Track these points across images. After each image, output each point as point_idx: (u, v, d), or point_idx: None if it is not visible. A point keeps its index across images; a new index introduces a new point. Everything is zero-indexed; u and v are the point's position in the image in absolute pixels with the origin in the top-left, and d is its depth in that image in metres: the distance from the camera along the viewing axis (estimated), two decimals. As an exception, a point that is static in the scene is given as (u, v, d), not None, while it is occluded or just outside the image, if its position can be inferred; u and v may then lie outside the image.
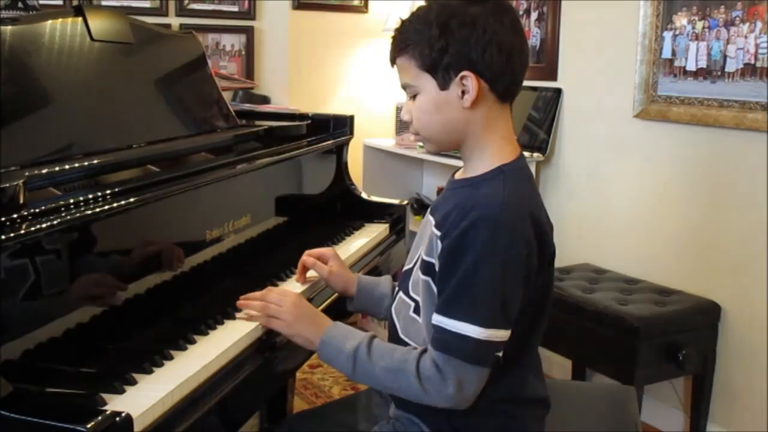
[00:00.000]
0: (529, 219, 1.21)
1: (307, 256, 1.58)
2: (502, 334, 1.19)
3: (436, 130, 1.29)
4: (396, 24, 1.29)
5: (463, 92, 1.23)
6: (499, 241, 1.17)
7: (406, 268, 1.38)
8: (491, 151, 1.27)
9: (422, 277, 1.29)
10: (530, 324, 1.28)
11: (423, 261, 1.29)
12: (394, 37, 1.29)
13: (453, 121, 1.26)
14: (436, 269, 1.24)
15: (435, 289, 1.25)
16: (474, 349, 1.17)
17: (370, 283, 1.56)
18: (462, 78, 1.22)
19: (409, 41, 1.25)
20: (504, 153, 1.27)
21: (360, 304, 1.55)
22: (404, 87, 1.30)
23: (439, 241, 1.24)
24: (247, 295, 1.42)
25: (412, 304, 1.32)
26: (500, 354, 1.20)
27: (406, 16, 1.29)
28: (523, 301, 1.22)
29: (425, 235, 1.31)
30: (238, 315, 1.40)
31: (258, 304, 1.39)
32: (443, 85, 1.24)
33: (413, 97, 1.29)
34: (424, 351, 1.23)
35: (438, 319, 1.20)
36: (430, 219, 1.30)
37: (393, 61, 1.30)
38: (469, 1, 1.23)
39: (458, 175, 1.34)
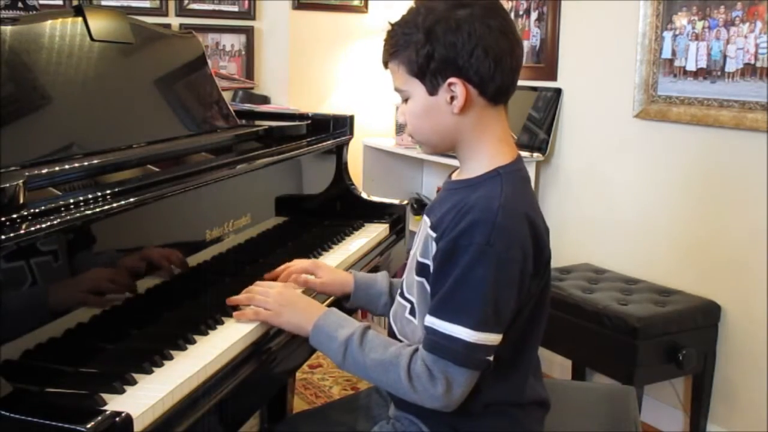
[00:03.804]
0: (526, 222, 1.20)
1: (296, 275, 1.54)
2: (493, 338, 1.18)
3: (428, 134, 1.29)
4: (387, 28, 1.28)
5: (452, 98, 1.22)
6: (495, 245, 1.16)
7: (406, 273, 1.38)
8: (487, 153, 1.26)
9: (416, 278, 1.29)
10: (528, 327, 1.27)
11: (417, 262, 1.28)
12: (384, 41, 1.28)
13: (444, 126, 1.25)
14: (431, 270, 1.24)
15: (429, 289, 1.25)
16: (463, 352, 1.17)
17: (367, 280, 1.56)
18: (450, 84, 1.21)
19: (397, 46, 1.25)
20: (500, 155, 1.26)
21: (357, 302, 1.55)
22: (396, 91, 1.30)
23: (434, 243, 1.23)
24: (233, 297, 1.42)
25: (408, 305, 1.33)
26: (491, 358, 1.19)
27: (395, 19, 1.28)
28: (518, 305, 1.22)
29: (420, 237, 1.31)
30: (234, 314, 1.40)
31: (244, 296, 1.40)
32: (432, 91, 1.23)
33: (405, 100, 1.29)
34: (417, 349, 1.23)
35: (430, 321, 1.20)
36: (425, 220, 1.30)
37: (385, 65, 1.30)
38: (457, 5, 1.21)
39: (455, 176, 1.33)
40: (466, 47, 1.19)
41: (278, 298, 1.38)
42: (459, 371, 1.18)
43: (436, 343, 1.19)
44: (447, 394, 1.19)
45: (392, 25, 1.27)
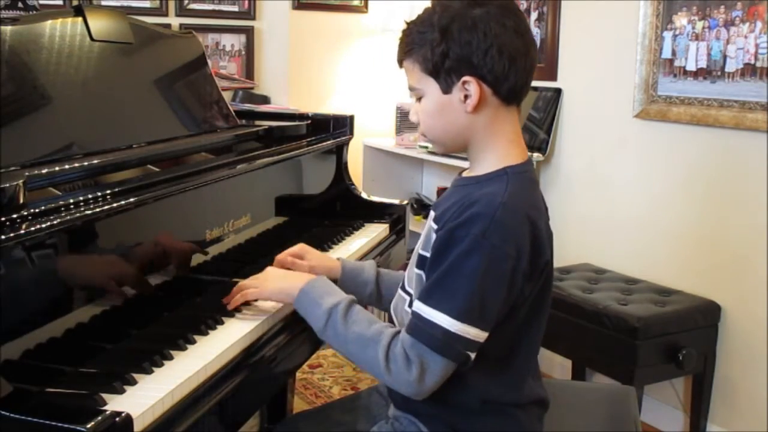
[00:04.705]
0: (527, 222, 1.21)
1: (282, 258, 1.55)
2: (474, 333, 1.18)
3: (440, 133, 1.29)
4: (402, 26, 1.29)
5: (466, 96, 1.23)
6: (490, 239, 1.17)
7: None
8: (497, 154, 1.27)
9: (416, 271, 1.29)
10: (524, 328, 1.27)
11: (418, 255, 1.29)
12: (400, 40, 1.29)
13: (457, 125, 1.26)
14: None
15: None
16: (441, 339, 1.17)
17: (355, 268, 1.57)
18: (464, 83, 1.22)
19: (413, 44, 1.25)
20: (510, 155, 1.27)
21: (343, 289, 1.55)
22: (410, 89, 1.31)
23: (434, 234, 1.24)
24: (227, 297, 1.43)
25: (407, 298, 1.33)
26: (471, 354, 1.19)
27: (412, 18, 1.29)
28: (508, 304, 1.22)
29: (424, 230, 1.31)
30: (227, 305, 1.41)
31: (235, 289, 1.42)
32: (446, 89, 1.24)
33: (419, 99, 1.29)
34: (400, 332, 1.23)
35: (416, 305, 1.21)
36: (431, 214, 1.31)
37: (400, 64, 1.31)
38: (473, 4, 1.22)
39: (465, 174, 1.34)
40: (481, 46, 1.20)
41: (265, 275, 1.42)
42: (435, 358, 1.18)
43: (417, 327, 1.20)
44: (419, 381, 1.19)
45: (408, 23, 1.28)
